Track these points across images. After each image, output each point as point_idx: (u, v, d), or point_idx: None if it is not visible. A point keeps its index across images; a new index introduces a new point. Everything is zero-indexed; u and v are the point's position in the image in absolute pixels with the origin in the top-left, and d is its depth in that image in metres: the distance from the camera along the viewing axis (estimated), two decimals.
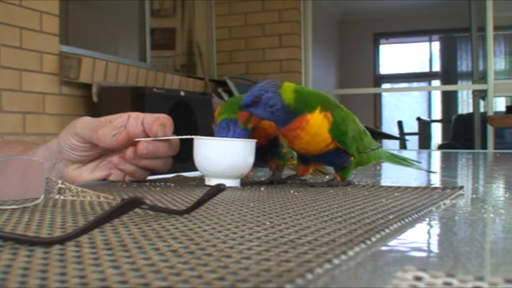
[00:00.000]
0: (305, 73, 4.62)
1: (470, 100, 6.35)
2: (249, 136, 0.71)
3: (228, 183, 0.67)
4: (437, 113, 7.47)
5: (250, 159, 0.69)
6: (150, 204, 0.42)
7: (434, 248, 0.37)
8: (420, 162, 0.89)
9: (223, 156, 0.68)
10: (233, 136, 0.69)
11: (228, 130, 0.70)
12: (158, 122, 0.73)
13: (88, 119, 0.75)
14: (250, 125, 0.70)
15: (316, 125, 0.67)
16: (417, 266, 0.26)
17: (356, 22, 6.97)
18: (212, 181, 0.69)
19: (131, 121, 0.75)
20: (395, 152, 0.85)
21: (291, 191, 0.63)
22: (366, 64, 7.19)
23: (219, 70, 4.54)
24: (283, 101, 0.66)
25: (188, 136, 0.71)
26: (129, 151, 0.73)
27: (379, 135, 0.85)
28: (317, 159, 0.73)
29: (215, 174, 0.69)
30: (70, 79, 2.75)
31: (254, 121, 0.70)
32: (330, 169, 0.77)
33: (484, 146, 4.46)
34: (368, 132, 0.76)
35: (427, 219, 0.45)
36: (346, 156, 0.70)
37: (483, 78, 4.61)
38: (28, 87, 2.57)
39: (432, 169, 1.03)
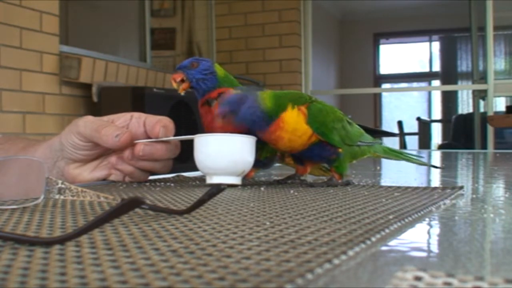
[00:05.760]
0: (305, 73, 4.62)
1: (470, 100, 6.35)
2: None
3: (230, 180, 0.67)
4: (437, 113, 7.47)
5: (251, 154, 0.69)
6: (150, 204, 0.42)
7: (434, 248, 0.37)
8: (421, 157, 0.88)
9: (224, 151, 0.67)
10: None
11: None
12: (160, 124, 0.73)
13: (91, 118, 0.74)
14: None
15: (292, 121, 0.69)
16: (417, 266, 0.26)
17: (356, 22, 6.97)
18: (214, 179, 0.68)
19: (133, 121, 0.75)
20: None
21: (291, 191, 0.62)
22: (366, 64, 7.19)
23: None
24: (261, 106, 0.68)
25: (188, 136, 0.71)
26: (127, 152, 0.73)
27: (377, 133, 0.85)
28: (306, 155, 0.73)
29: (216, 170, 0.68)
30: (70, 79, 2.74)
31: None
32: None
33: (484, 146, 4.46)
34: (356, 125, 0.76)
35: (427, 219, 0.45)
36: (332, 148, 0.71)
37: (483, 78, 4.61)
38: (28, 87, 2.57)
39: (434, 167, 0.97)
